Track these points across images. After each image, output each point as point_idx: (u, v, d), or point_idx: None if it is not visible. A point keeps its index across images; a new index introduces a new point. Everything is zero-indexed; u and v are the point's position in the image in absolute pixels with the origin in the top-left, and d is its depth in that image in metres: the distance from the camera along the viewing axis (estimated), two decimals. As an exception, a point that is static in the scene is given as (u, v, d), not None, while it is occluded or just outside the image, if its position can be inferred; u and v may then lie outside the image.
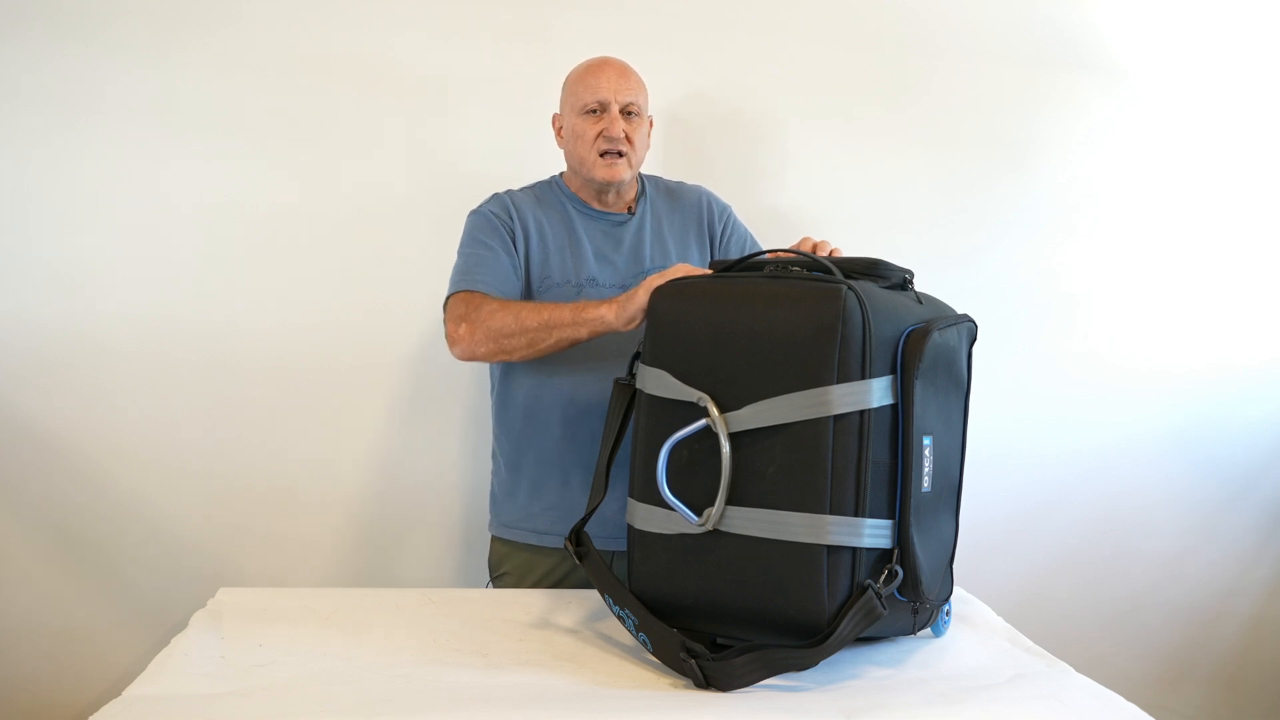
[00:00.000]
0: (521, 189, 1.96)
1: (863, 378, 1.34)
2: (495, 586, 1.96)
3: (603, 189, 1.90)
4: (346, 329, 2.21)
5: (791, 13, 2.29)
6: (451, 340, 1.78)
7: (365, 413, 2.23)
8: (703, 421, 1.40)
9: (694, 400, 1.41)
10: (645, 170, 2.02)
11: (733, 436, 1.38)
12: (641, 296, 1.58)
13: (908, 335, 1.39)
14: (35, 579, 2.15)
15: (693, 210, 1.99)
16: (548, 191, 1.95)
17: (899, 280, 1.51)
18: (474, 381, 2.24)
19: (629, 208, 1.95)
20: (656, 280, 1.57)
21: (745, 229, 2.03)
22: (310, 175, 2.18)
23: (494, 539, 1.97)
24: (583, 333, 1.68)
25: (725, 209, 2.02)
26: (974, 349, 1.56)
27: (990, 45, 2.34)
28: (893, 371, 1.37)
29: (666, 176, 2.08)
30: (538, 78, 2.12)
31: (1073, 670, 1.45)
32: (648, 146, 1.94)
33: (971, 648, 1.54)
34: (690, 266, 1.60)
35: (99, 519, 2.16)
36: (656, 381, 1.47)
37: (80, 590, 2.16)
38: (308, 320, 2.20)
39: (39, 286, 2.12)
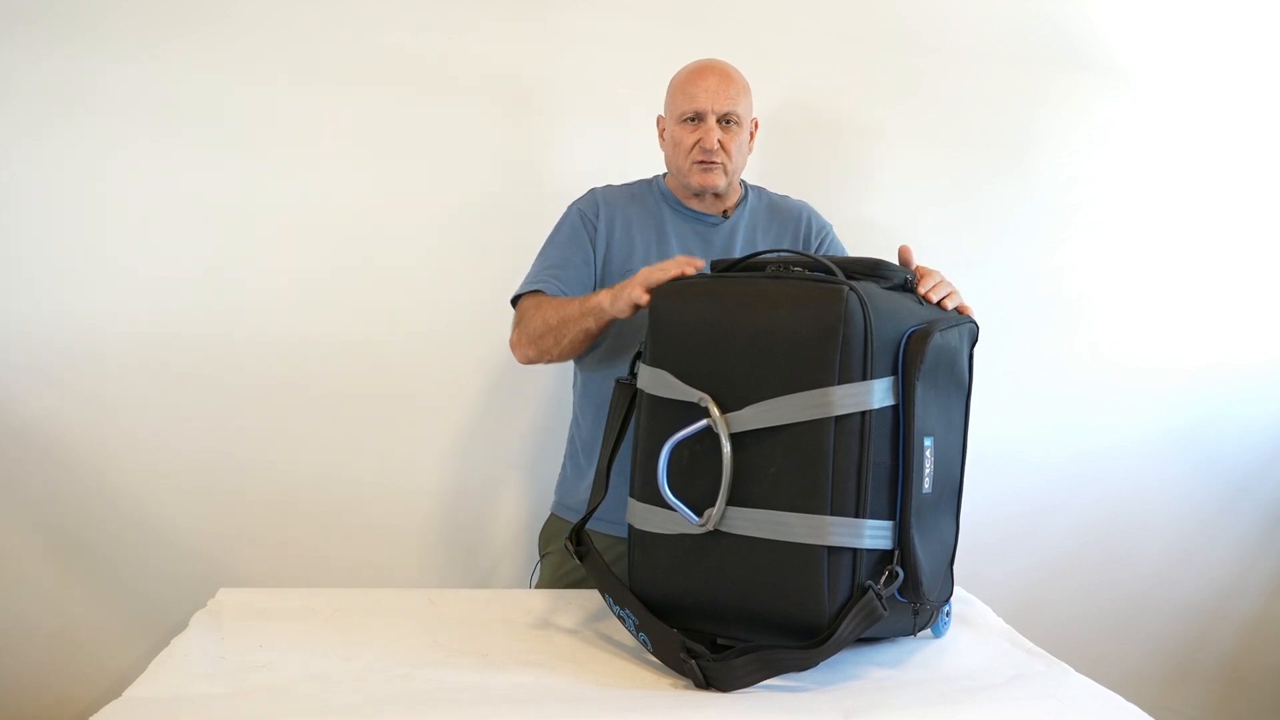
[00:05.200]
0: (620, 185, 1.98)
1: (864, 379, 1.34)
2: (541, 564, 1.98)
3: (699, 191, 1.91)
4: (346, 332, 2.20)
5: (790, 14, 2.29)
6: (511, 346, 1.86)
7: (365, 416, 2.23)
8: (704, 422, 1.40)
9: (695, 400, 1.41)
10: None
11: (734, 437, 1.38)
12: (633, 288, 1.60)
13: (909, 336, 1.39)
14: (37, 581, 2.15)
15: (790, 224, 1.98)
16: (645, 190, 1.97)
17: (900, 281, 1.51)
18: (473, 385, 2.24)
19: (725, 212, 1.95)
20: (648, 272, 1.59)
21: (842, 247, 2.01)
22: (308, 178, 2.18)
23: (552, 516, 2.00)
24: (590, 323, 1.73)
25: (825, 227, 2.01)
26: (975, 350, 1.56)
27: (990, 45, 2.34)
28: (894, 372, 1.37)
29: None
30: (543, 80, 2.12)
31: (1072, 670, 1.45)
32: (750, 151, 1.94)
33: (971, 648, 1.54)
34: (688, 259, 1.60)
35: (100, 520, 2.15)
36: (657, 381, 1.47)
37: (81, 592, 2.16)
38: (306, 322, 2.19)
39: (35, 288, 2.12)
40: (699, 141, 1.85)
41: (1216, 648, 2.55)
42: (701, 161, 1.86)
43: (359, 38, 2.17)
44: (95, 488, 2.14)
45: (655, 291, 1.53)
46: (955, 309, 1.55)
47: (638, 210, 1.93)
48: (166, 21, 2.10)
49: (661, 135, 1.95)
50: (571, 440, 1.99)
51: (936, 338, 1.40)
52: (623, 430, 1.58)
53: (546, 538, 2.00)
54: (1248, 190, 2.45)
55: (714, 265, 1.61)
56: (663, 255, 1.88)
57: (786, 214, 1.99)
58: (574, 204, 1.95)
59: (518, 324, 1.84)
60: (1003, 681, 1.41)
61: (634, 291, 1.60)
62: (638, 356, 1.56)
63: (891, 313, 1.39)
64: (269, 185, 2.17)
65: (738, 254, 1.90)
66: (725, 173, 1.88)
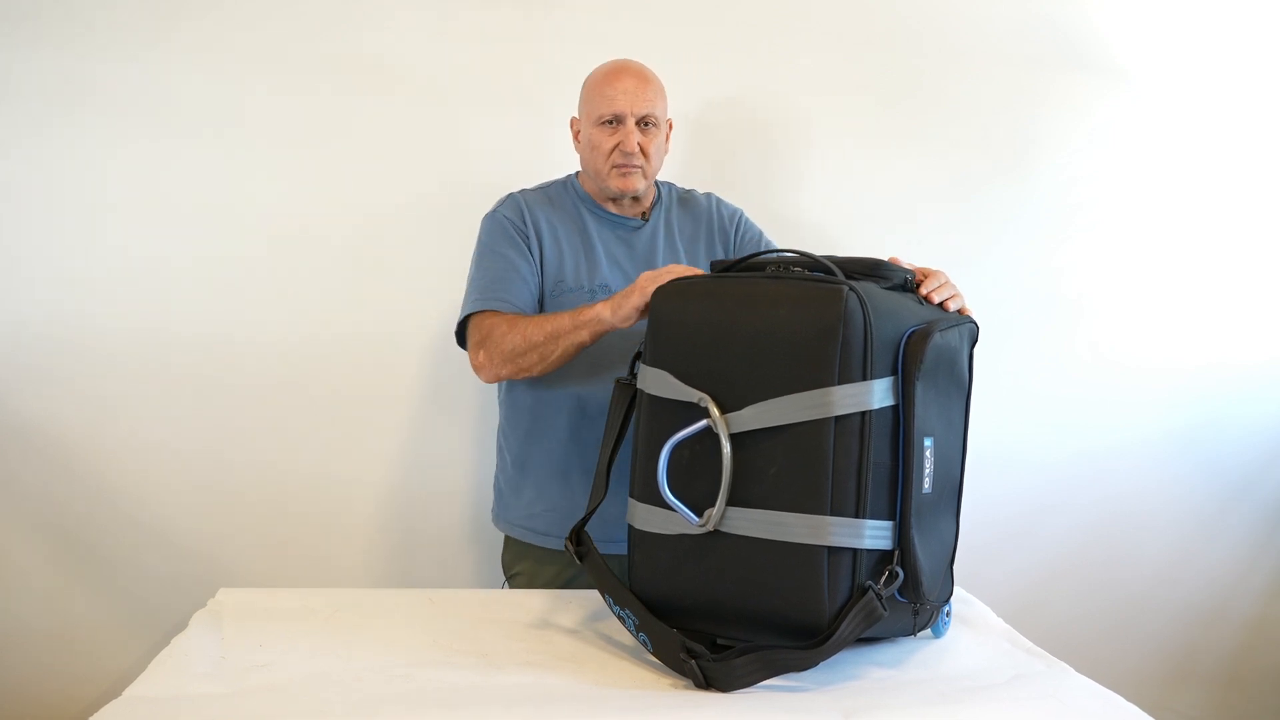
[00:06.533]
0: (535, 188, 1.95)
1: (864, 379, 1.34)
2: (510, 586, 1.95)
3: (617, 195, 1.90)
4: (346, 331, 2.20)
5: (789, 14, 2.29)
6: (475, 368, 1.81)
7: (365, 416, 2.23)
8: (704, 422, 1.39)
9: (695, 401, 1.41)
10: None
11: (734, 437, 1.38)
12: (637, 295, 1.60)
13: (909, 336, 1.39)
14: (37, 581, 2.15)
15: (703, 216, 1.98)
16: (562, 193, 1.94)
17: (900, 281, 1.51)
18: (474, 385, 2.22)
19: (644, 214, 1.94)
20: (651, 278, 1.59)
21: (758, 229, 2.02)
22: (310, 179, 2.18)
23: (506, 539, 1.97)
24: (584, 335, 1.70)
25: (735, 211, 2.01)
26: (975, 350, 1.56)
27: (990, 45, 2.33)
28: (894, 373, 1.37)
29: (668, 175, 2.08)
30: (543, 80, 2.11)
31: (1072, 670, 1.45)
32: (666, 152, 1.93)
33: (971, 648, 1.54)
34: (685, 267, 1.62)
35: (100, 520, 2.15)
36: (657, 382, 1.47)
37: (81, 591, 2.16)
38: (307, 322, 2.19)
39: (36, 288, 2.11)
40: (618, 144, 1.83)
41: (1216, 648, 2.55)
42: (620, 165, 1.84)
43: (359, 38, 2.17)
44: (95, 488, 2.14)
45: (656, 292, 1.53)
46: (957, 311, 1.55)
47: (559, 215, 1.90)
48: (166, 21, 2.10)
49: (576, 137, 1.93)
50: (500, 453, 1.95)
51: (936, 338, 1.40)
52: (622, 430, 1.58)
53: (509, 560, 1.96)
54: (1247, 190, 2.45)
55: (714, 265, 1.61)
56: (590, 262, 1.87)
57: (697, 207, 1.99)
58: (497, 211, 1.89)
59: (482, 343, 1.77)
60: (1003, 681, 1.41)
61: (636, 299, 1.60)
62: (638, 357, 1.56)
63: (891, 313, 1.39)
64: (269, 185, 2.17)
65: (660, 255, 1.91)
66: (644, 175, 1.87)
